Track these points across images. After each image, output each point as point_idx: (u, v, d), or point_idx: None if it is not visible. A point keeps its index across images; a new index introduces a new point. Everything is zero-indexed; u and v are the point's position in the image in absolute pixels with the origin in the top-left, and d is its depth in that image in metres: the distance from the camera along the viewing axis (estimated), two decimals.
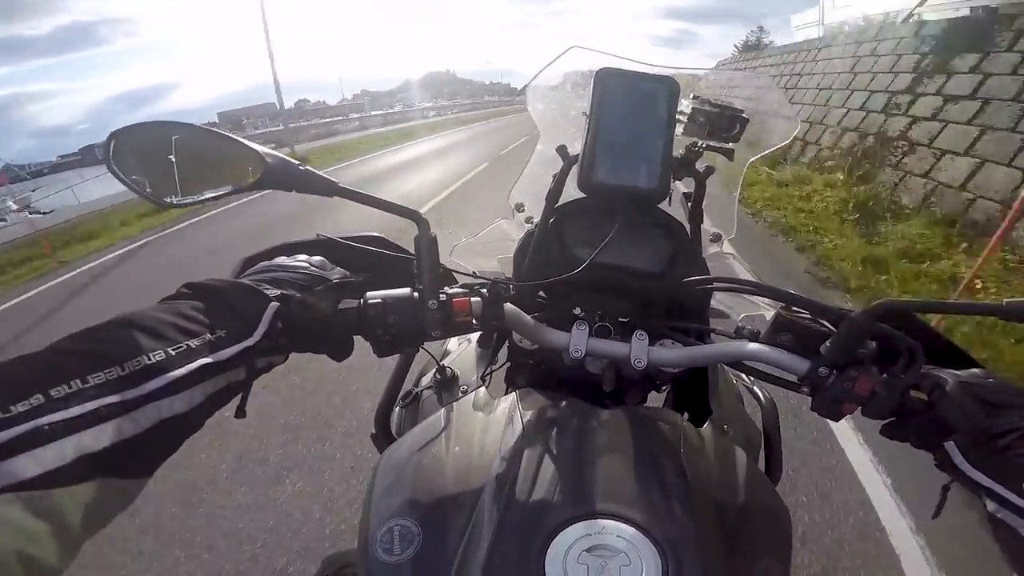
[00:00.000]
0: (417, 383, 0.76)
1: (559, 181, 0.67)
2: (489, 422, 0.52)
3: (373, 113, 40.48)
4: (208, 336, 0.40)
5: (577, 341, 0.57)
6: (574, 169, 0.64)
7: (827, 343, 0.49)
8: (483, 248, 0.83)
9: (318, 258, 0.55)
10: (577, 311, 0.65)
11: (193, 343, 0.39)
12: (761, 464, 0.72)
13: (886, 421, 0.50)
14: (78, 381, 0.34)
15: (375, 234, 0.64)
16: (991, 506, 0.42)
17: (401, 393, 0.76)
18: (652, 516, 0.40)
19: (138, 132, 0.49)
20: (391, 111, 40.57)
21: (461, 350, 0.77)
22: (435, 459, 0.49)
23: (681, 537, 0.39)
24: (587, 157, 0.59)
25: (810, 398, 0.51)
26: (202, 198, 0.51)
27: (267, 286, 0.48)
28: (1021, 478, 0.40)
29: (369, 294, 0.50)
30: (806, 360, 0.50)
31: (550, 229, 0.68)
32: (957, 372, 0.48)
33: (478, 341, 0.70)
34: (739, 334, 0.57)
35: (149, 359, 0.36)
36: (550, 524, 0.39)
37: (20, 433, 0.31)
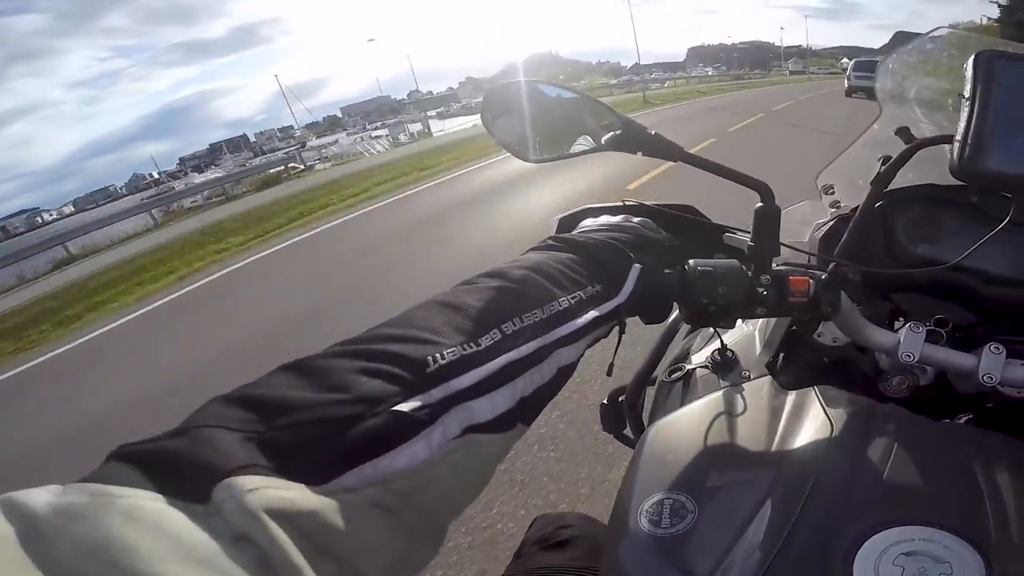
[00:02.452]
0: (687, 359, 0.72)
1: (893, 165, 0.60)
2: (783, 414, 0.50)
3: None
4: (591, 289, 0.38)
5: (910, 345, 0.50)
6: (920, 155, 0.56)
7: None
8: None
9: (646, 219, 0.54)
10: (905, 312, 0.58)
11: (583, 294, 0.37)
12: None
13: None
14: (518, 320, 0.32)
15: (685, 204, 0.62)
16: None
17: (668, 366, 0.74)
18: (982, 529, 0.36)
19: (504, 91, 0.55)
20: None
21: (739, 333, 0.72)
22: (716, 441, 0.48)
23: (1013, 555, 0.35)
24: (972, 140, 0.51)
25: None
26: (558, 155, 0.54)
27: (622, 246, 0.46)
28: None
29: (696, 261, 0.48)
30: None
31: (873, 216, 0.61)
32: None
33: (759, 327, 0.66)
34: None
35: (560, 304, 0.35)
36: (863, 525, 0.37)
37: (493, 371, 0.29)
